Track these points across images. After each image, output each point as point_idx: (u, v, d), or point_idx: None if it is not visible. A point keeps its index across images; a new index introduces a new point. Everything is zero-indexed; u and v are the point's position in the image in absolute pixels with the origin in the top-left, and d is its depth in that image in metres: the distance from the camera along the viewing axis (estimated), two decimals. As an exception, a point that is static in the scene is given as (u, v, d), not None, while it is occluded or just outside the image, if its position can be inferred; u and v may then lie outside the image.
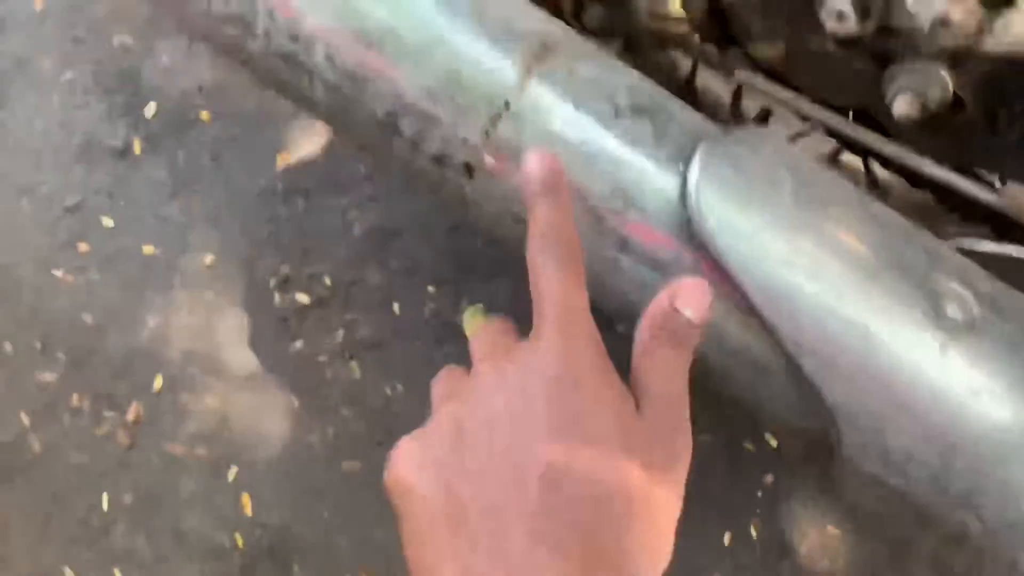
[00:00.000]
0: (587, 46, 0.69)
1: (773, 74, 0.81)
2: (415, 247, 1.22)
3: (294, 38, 0.66)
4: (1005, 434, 0.62)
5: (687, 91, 0.88)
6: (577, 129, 0.65)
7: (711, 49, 0.84)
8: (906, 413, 0.60)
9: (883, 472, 0.63)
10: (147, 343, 1.19)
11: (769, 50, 0.79)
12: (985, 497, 0.62)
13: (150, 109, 1.28)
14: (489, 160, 0.66)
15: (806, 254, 0.62)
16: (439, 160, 0.67)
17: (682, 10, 0.85)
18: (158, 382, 1.18)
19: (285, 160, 1.28)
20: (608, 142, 0.65)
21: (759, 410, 0.70)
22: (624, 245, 0.64)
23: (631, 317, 0.68)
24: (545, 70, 0.65)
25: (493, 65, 0.65)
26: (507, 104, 0.65)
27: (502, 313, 1.29)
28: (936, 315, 0.61)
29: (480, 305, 1.31)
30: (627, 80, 0.67)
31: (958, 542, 0.63)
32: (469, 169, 0.67)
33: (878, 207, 0.66)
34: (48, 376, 1.18)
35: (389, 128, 0.67)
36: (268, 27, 0.67)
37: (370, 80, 0.66)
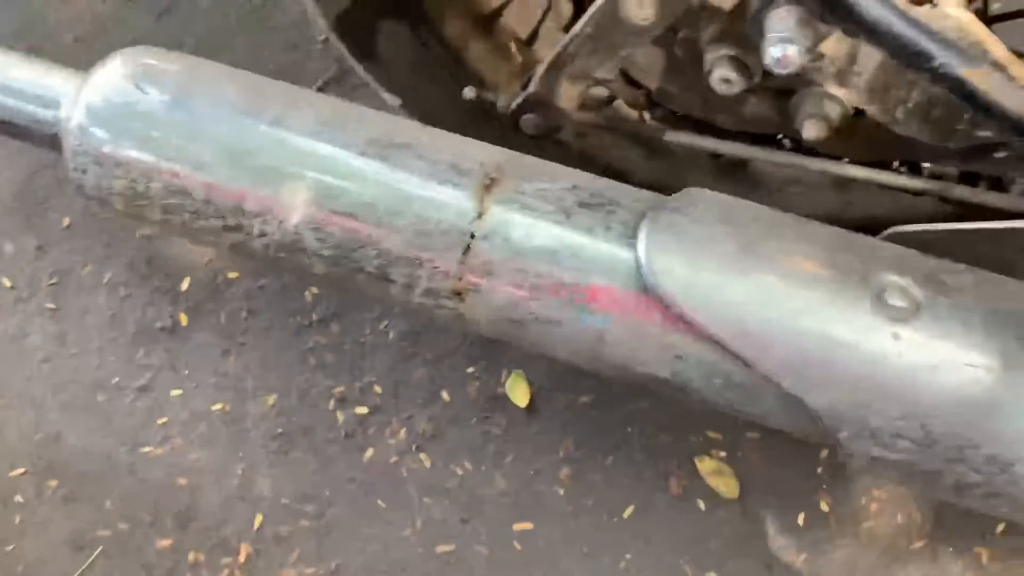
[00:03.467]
0: (526, 161, 0.80)
1: (697, 121, 0.91)
2: (445, 338, 1.34)
3: (286, 232, 0.78)
4: (978, 394, 0.68)
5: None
6: (538, 237, 0.75)
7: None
8: (880, 399, 0.68)
9: (881, 452, 0.71)
10: (239, 489, 1.32)
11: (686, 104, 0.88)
12: (976, 450, 0.69)
13: (185, 283, 1.42)
14: (473, 281, 0.76)
15: (759, 289, 0.70)
16: (431, 293, 0.78)
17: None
18: (258, 520, 1.30)
19: (311, 291, 1.40)
20: (566, 240, 0.75)
21: (763, 423, 0.78)
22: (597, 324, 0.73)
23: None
24: (497, 197, 0.76)
25: (454, 205, 0.76)
26: (472, 234, 0.75)
27: (538, 372, 1.38)
28: (883, 308, 0.69)
29: (520, 371, 1.41)
30: (569, 182, 0.77)
31: (960, 492, 0.70)
32: (458, 294, 0.77)
33: (810, 226, 0.74)
34: (164, 542, 1.31)
35: (383, 279, 0.78)
36: (263, 229, 0.78)
37: (358, 246, 0.77)
